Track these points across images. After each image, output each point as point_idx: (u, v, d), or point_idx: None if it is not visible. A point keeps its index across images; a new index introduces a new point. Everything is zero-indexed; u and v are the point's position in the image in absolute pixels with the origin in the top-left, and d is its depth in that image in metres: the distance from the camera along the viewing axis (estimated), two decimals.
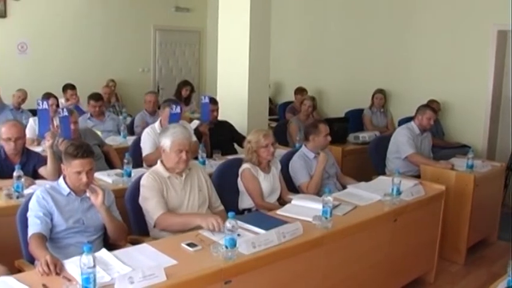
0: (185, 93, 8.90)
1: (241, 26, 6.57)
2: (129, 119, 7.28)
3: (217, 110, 5.97)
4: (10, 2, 9.09)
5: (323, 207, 3.36)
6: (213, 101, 5.97)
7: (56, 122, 4.80)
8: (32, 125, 6.17)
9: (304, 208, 3.68)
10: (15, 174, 3.95)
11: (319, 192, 4.36)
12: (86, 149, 3.24)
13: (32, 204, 3.21)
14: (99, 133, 5.80)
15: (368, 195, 4.10)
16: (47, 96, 6.81)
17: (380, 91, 7.84)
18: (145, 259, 2.80)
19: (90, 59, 9.75)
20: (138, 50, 10.72)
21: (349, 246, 3.57)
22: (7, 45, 8.98)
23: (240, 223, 3.06)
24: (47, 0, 9.49)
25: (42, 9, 9.38)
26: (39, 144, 5.46)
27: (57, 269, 2.63)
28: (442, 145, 6.61)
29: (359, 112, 7.86)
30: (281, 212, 3.67)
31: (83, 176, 3.19)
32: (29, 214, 3.18)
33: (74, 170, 3.19)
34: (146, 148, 5.15)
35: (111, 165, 5.22)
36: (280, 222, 3.33)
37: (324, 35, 9.05)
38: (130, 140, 5.98)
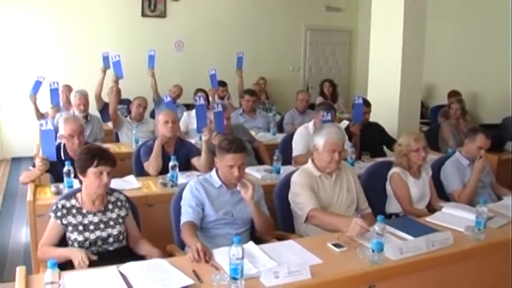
0: (327, 91, 8.97)
1: (395, 26, 6.44)
2: (278, 117, 7.41)
3: (369, 112, 5.87)
4: (170, 2, 9.67)
5: (476, 217, 3.17)
6: (367, 103, 5.87)
7: (210, 116, 5.00)
8: (185, 119, 6.49)
9: (455, 217, 3.51)
10: (170, 164, 4.20)
11: (472, 202, 4.14)
12: (238, 144, 3.35)
13: (186, 194, 3.38)
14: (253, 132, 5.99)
15: None
16: (200, 91, 7.13)
17: None
18: (291, 255, 2.84)
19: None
20: (289, 49, 10.90)
21: (502, 262, 3.31)
22: (165, 43, 9.57)
23: (387, 227, 3.00)
24: (203, 0, 9.94)
25: (198, 9, 9.89)
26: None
27: (207, 257, 2.75)
28: None
29: None
30: (430, 219, 3.53)
31: (235, 170, 3.29)
32: (182, 203, 3.36)
33: (226, 163, 3.30)
34: (297, 148, 5.22)
35: (260, 161, 5.34)
36: (429, 229, 3.22)
37: (480, 35, 8.57)
38: (280, 137, 6.11)
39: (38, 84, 6.98)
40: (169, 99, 6.79)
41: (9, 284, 4.05)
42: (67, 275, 2.52)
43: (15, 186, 7.30)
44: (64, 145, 4.35)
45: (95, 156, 3.12)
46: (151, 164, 4.55)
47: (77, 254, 2.92)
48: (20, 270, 2.53)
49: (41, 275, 2.54)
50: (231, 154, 3.29)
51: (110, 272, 2.58)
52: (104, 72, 7.17)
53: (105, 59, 7.10)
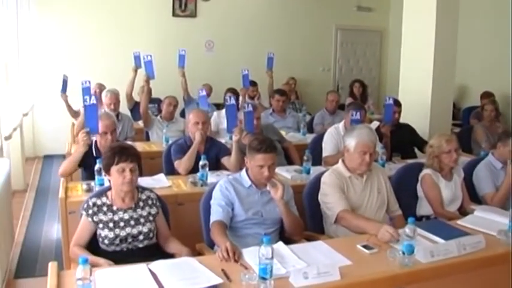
0: (357, 91, 8.88)
1: (427, 26, 6.39)
2: (308, 117, 7.39)
3: (399, 112, 5.82)
4: (200, 2, 9.73)
5: (510, 221, 3.12)
6: (397, 103, 5.82)
7: (240, 116, 5.01)
8: (215, 118, 6.49)
9: (487, 221, 3.45)
10: (200, 163, 4.23)
11: (505, 205, 4.06)
12: (269, 144, 3.35)
13: (216, 193, 3.38)
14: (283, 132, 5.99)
15: None
16: (230, 91, 7.14)
17: None
18: (320, 256, 2.83)
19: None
20: (319, 49, 10.87)
21: None
22: (196, 43, 9.65)
23: (418, 230, 2.96)
24: (234, 0, 9.98)
25: (228, 9, 9.93)
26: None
27: (236, 256, 2.75)
28: None
29: None
30: (462, 222, 3.47)
31: (265, 169, 3.29)
32: (212, 202, 3.37)
33: (256, 163, 3.30)
34: (327, 149, 5.19)
35: (289, 161, 5.32)
36: (461, 232, 3.17)
37: None
38: (310, 137, 6.10)
39: (64, 83, 7.10)
40: (204, 93, 6.76)
41: (41, 279, 4.10)
42: (98, 271, 2.55)
43: (47, 183, 7.43)
44: (96, 142, 4.40)
45: (115, 153, 3.17)
46: (183, 163, 4.56)
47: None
48: (52, 266, 2.57)
49: (73, 271, 2.57)
50: (261, 154, 3.29)
51: (140, 269, 2.61)
52: (135, 71, 7.23)
53: (137, 58, 7.17)
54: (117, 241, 3.14)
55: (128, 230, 3.16)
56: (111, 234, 3.13)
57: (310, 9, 10.54)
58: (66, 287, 2.44)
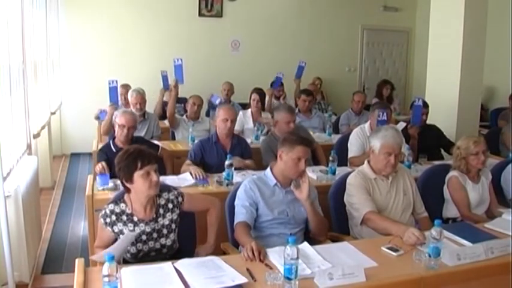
0: (386, 93, 8.81)
1: (454, 26, 6.33)
2: (334, 117, 7.36)
3: (427, 113, 5.77)
4: (226, 2, 9.76)
5: None
6: (425, 104, 5.77)
7: (267, 117, 5.01)
8: (240, 118, 6.49)
9: None
10: (226, 163, 4.24)
11: None
12: (307, 138, 3.47)
13: (240, 194, 3.38)
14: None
15: None
16: (256, 91, 7.12)
17: None
18: (345, 257, 2.82)
19: (297, 57, 10.00)
20: (345, 49, 10.82)
21: None
22: (222, 43, 9.69)
23: (445, 232, 2.93)
24: (260, 0, 9.98)
25: (254, 9, 9.94)
26: None
27: (261, 256, 2.75)
28: None
29: None
30: (489, 225, 3.43)
31: (302, 163, 3.28)
32: (236, 203, 3.37)
33: (295, 155, 3.27)
34: (353, 149, 5.19)
35: (316, 162, 5.29)
36: (488, 236, 3.13)
37: None
38: (335, 138, 6.07)
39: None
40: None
41: (68, 275, 4.18)
42: (124, 269, 2.57)
43: (74, 181, 7.53)
44: (114, 138, 4.53)
45: (137, 158, 2.93)
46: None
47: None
48: (79, 263, 2.61)
49: (99, 267, 2.61)
50: (302, 146, 3.29)
51: (165, 267, 2.63)
52: (163, 95, 7.25)
53: (164, 78, 7.17)
54: (140, 255, 3.02)
55: (151, 243, 3.02)
56: (133, 249, 3.00)
57: (336, 9, 10.50)
58: (92, 284, 2.47)
